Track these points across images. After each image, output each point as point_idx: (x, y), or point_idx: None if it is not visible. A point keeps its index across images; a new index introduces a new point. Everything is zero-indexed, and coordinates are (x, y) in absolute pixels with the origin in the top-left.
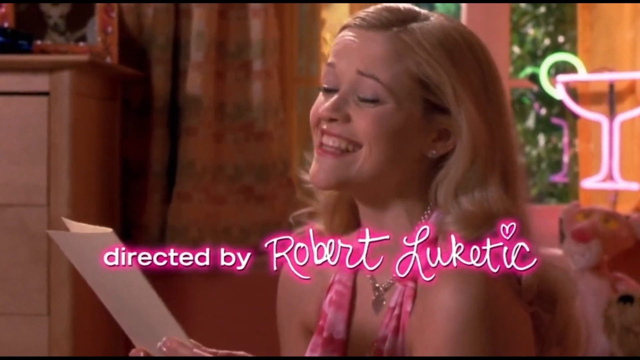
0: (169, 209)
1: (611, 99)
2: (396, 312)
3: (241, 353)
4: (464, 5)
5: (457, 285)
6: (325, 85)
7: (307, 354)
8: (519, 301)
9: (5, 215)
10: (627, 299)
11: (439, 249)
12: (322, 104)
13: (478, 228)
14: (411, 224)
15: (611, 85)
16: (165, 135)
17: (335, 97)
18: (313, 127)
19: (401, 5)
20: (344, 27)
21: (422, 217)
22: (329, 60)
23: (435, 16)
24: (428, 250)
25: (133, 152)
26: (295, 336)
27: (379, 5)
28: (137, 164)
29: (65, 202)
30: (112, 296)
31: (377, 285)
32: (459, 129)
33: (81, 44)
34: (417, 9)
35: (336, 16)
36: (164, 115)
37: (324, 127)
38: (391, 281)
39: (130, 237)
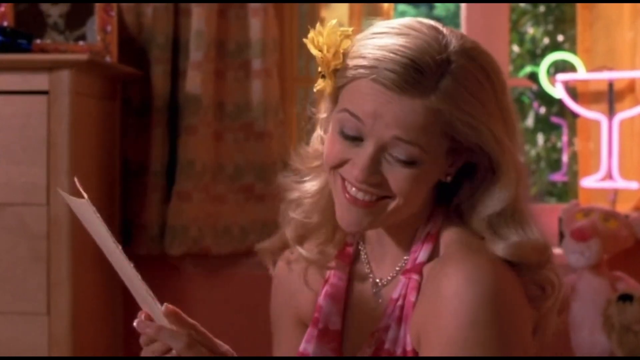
0: (168, 209)
1: (610, 98)
2: (399, 303)
3: (225, 348)
4: (463, 5)
5: (468, 273)
6: (349, 134)
7: (302, 345)
8: (520, 286)
9: (5, 214)
10: (626, 297)
11: (441, 243)
12: (341, 150)
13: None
14: (415, 224)
15: (610, 84)
16: (165, 134)
17: (367, 157)
18: (330, 169)
19: (427, 56)
20: (363, 77)
21: (425, 215)
22: (352, 110)
23: (457, 48)
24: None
25: (133, 152)
26: (289, 328)
27: (404, 61)
28: (136, 163)
29: (65, 202)
30: (111, 257)
31: (376, 280)
32: (479, 153)
33: (81, 43)
34: (437, 44)
35: (336, 15)
36: (163, 115)
37: (353, 183)
38: (391, 277)
39: (130, 236)
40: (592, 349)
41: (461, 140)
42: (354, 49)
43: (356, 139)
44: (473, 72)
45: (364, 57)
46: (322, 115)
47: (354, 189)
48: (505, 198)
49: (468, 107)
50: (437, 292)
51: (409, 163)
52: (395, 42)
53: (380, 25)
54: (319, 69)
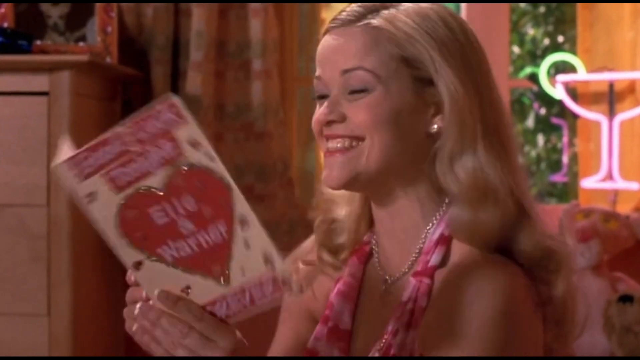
0: None
1: (611, 98)
2: (409, 306)
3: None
4: (463, 5)
5: (487, 279)
6: (318, 94)
7: (311, 342)
8: (533, 294)
9: (5, 215)
10: (627, 298)
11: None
12: (316, 113)
13: (481, 204)
14: (423, 218)
15: (611, 85)
16: None
17: (322, 103)
18: (318, 136)
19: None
20: (323, 34)
21: (436, 213)
22: (316, 73)
23: (409, 3)
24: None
25: None
26: (298, 316)
27: (351, 5)
28: None
29: (65, 202)
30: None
31: (386, 277)
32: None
33: (81, 44)
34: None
35: None
36: None
37: (326, 132)
38: (400, 274)
39: None
40: (593, 349)
41: (419, 67)
42: None
43: (325, 97)
44: (425, 11)
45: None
46: None
47: (329, 141)
48: (448, 137)
49: (410, 28)
50: (456, 302)
51: (361, 91)
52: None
53: None
54: None
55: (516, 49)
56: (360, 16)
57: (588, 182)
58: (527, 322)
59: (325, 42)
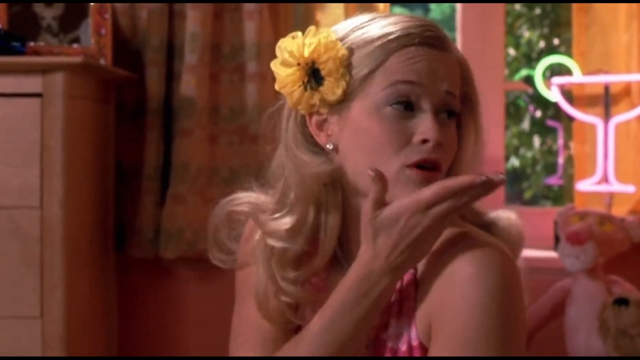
0: (163, 212)
1: (606, 101)
2: (395, 297)
3: None
4: (459, 6)
5: (483, 261)
6: (400, 99)
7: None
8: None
9: None
10: (622, 301)
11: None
12: (404, 123)
13: None
14: None
15: (606, 88)
16: (159, 137)
17: (430, 115)
18: (398, 151)
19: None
20: (411, 45)
21: None
22: (404, 79)
23: None
24: None
25: (127, 155)
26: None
27: (427, 23)
28: (131, 166)
29: (58, 205)
30: None
31: None
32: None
33: (75, 45)
34: None
35: (331, 18)
36: (158, 118)
37: (432, 155)
38: None
39: (125, 240)
40: (588, 352)
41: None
42: (356, 40)
43: (407, 108)
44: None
45: (387, 35)
46: (322, 116)
47: (425, 159)
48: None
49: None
50: (450, 282)
51: (455, 115)
52: (398, 17)
53: (360, 18)
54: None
55: (512, 52)
56: (450, 44)
57: (583, 185)
58: (519, 304)
59: (428, 55)
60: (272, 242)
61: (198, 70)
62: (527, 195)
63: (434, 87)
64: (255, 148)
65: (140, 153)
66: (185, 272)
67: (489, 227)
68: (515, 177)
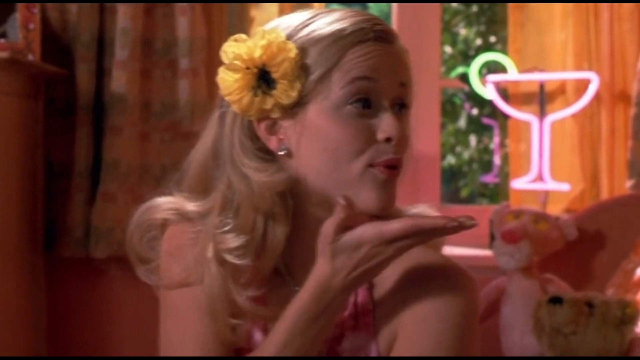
0: (93, 210)
1: (541, 99)
2: (350, 312)
3: None
4: (394, 5)
5: (448, 277)
6: (359, 96)
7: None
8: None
9: None
10: (556, 300)
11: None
12: (364, 121)
13: None
14: None
15: (541, 86)
16: (89, 134)
17: (390, 113)
18: (361, 151)
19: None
20: (361, 41)
21: None
22: (361, 75)
23: None
24: None
25: (56, 152)
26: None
27: (373, 16)
28: (60, 164)
29: None
30: None
31: (296, 288)
32: None
33: (1, 40)
34: None
35: (265, 15)
36: (88, 114)
37: (396, 155)
38: None
39: (54, 239)
40: (523, 351)
41: None
42: (306, 39)
43: (366, 106)
44: None
45: (340, 32)
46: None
47: (392, 159)
48: None
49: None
50: (422, 298)
51: (407, 106)
52: (342, 12)
53: (302, 14)
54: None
55: (448, 49)
56: (397, 35)
57: (519, 183)
58: (475, 328)
59: (382, 49)
60: (229, 258)
61: (129, 65)
62: (464, 193)
63: (390, 82)
64: (187, 145)
65: (70, 150)
66: (115, 272)
67: None
68: (452, 175)
